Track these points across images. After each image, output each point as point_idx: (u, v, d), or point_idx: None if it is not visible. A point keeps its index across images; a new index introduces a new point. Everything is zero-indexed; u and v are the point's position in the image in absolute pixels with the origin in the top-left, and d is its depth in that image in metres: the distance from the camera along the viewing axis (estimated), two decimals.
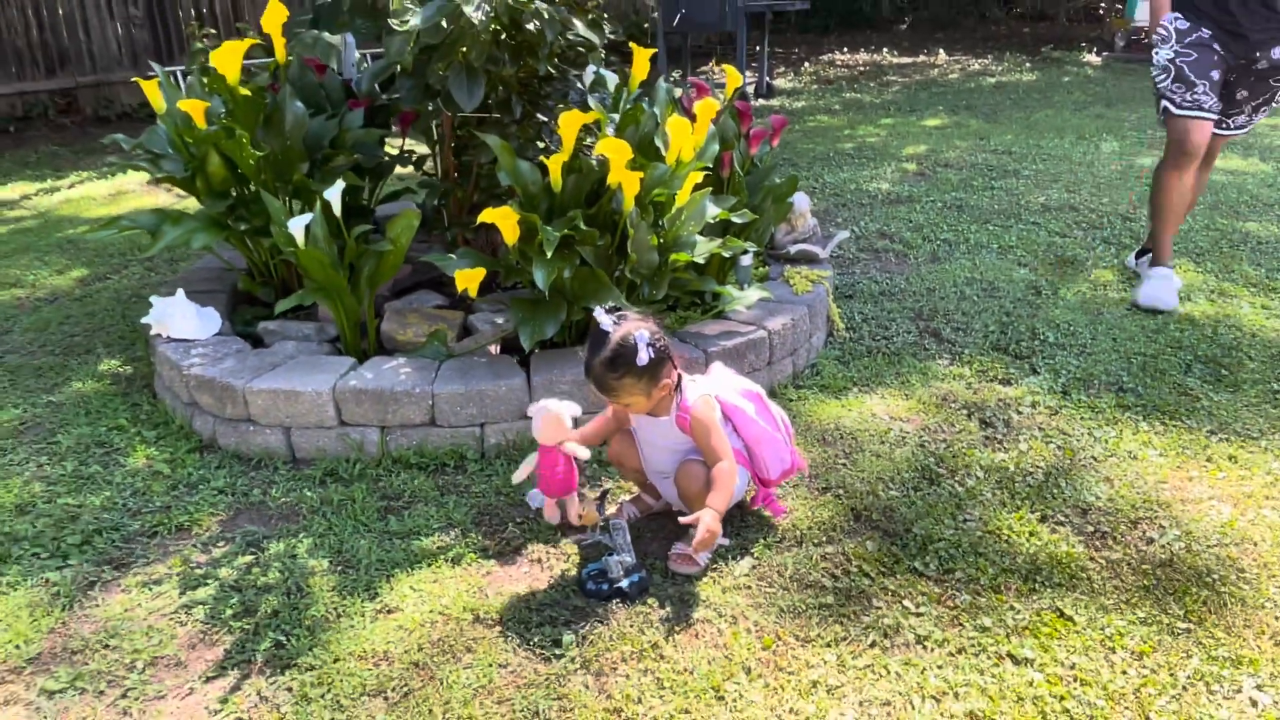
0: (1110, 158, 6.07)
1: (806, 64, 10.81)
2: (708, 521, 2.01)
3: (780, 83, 9.50)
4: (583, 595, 2.05)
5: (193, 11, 8.71)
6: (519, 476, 2.29)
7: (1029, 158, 6.06)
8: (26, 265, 4.46)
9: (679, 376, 2.13)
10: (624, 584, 2.03)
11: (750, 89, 8.64)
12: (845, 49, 11.77)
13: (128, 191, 5.90)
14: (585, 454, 2.24)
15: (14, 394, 3.15)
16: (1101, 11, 12.49)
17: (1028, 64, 10.51)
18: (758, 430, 2.22)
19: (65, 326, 3.72)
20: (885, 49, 11.74)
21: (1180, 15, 3.50)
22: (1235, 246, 4.36)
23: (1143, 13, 10.78)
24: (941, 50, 11.40)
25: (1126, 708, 1.75)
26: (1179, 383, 3.03)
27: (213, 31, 8.13)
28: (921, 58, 11.05)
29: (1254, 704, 1.77)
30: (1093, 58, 10.82)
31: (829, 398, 2.97)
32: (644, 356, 1.98)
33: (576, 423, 2.27)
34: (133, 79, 8.28)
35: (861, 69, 10.48)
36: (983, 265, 4.08)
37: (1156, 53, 3.55)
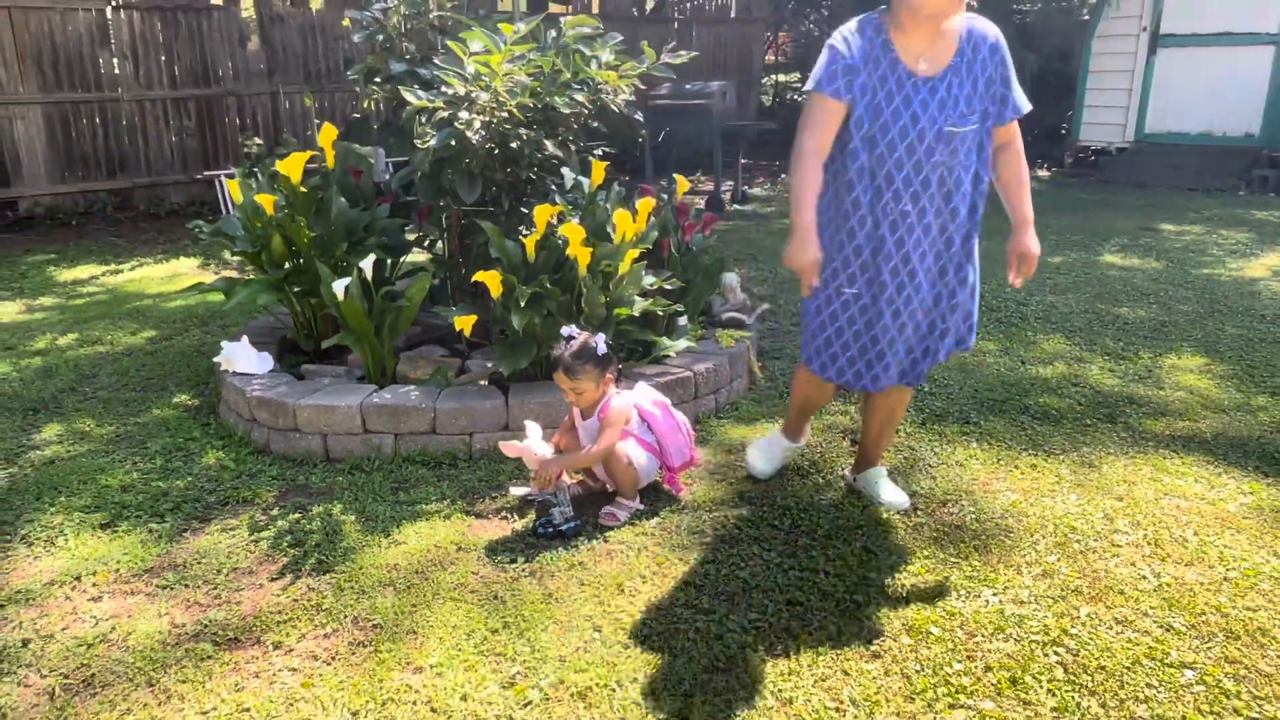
0: None
1: (783, 175, 11.99)
2: (557, 463, 2.92)
3: (757, 190, 10.65)
4: (534, 536, 2.90)
5: (238, 122, 9.94)
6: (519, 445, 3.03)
7: None
8: (104, 328, 5.41)
9: (612, 383, 3.02)
10: (564, 527, 2.88)
11: (726, 195, 9.76)
12: None
13: (181, 274, 6.91)
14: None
15: (108, 417, 4.05)
16: (1064, 131, 13.75)
17: None
18: (665, 428, 3.10)
19: (142, 372, 4.64)
20: None
21: None
22: (1105, 325, 5.27)
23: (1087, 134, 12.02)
24: None
25: (891, 595, 2.57)
26: (1015, 419, 3.90)
27: (259, 141, 9.32)
28: None
29: (986, 603, 2.58)
30: (1043, 172, 12.00)
31: (740, 425, 3.85)
32: (601, 349, 2.92)
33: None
34: (181, 180, 9.49)
35: None
36: None
37: None
